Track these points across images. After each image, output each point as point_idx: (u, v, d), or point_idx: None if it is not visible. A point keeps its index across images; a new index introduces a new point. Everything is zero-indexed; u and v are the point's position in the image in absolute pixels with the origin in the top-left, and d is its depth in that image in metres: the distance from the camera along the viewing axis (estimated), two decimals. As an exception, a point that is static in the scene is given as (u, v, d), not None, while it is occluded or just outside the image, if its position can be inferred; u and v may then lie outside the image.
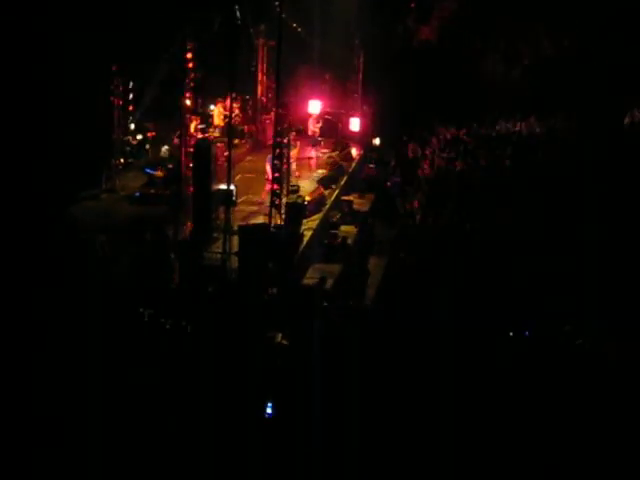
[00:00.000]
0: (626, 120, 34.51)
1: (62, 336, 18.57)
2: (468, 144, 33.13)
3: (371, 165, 34.48)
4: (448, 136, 34.45)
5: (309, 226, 26.80)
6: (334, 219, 28.76)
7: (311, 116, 33.69)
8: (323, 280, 23.25)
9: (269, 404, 18.23)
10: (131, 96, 31.98)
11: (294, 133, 28.96)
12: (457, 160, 31.60)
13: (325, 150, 34.06)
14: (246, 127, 35.04)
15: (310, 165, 31.52)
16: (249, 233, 23.23)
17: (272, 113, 29.82)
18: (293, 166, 28.70)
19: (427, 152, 33.39)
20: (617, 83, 36.55)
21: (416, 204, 28.39)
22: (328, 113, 34.29)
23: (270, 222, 24.94)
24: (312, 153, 32.04)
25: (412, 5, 40.86)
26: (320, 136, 33.44)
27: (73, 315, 19.32)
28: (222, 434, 17.21)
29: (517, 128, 34.74)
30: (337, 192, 30.55)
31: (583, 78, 37.47)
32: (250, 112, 35.65)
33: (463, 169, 30.59)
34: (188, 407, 17.51)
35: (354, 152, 34.94)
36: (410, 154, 34.10)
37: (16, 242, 20.55)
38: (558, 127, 34.57)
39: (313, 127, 33.23)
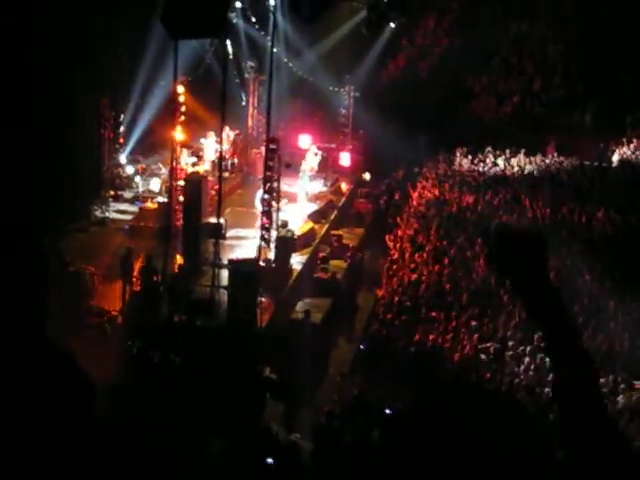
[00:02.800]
0: (614, 158, 34.67)
1: (47, 367, 18.41)
2: (462, 178, 33.14)
3: (361, 200, 34.56)
4: (440, 171, 34.51)
5: (298, 260, 26.82)
6: (324, 253, 28.75)
7: (307, 150, 33.74)
8: (307, 313, 23.18)
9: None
10: (122, 129, 32.07)
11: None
12: (446, 195, 31.59)
13: (316, 184, 34.11)
14: (236, 161, 35.12)
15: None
16: (238, 267, 23.19)
17: (262, 147, 29.88)
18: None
19: (417, 186, 33.41)
20: (604, 120, 36.82)
21: (405, 240, 28.37)
22: (318, 147, 34.38)
23: (260, 256, 24.94)
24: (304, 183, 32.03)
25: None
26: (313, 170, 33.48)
27: (60, 346, 19.18)
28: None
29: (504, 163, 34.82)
30: (327, 226, 30.59)
31: (572, 116, 37.81)
32: (241, 146, 35.74)
33: (452, 204, 30.60)
34: (177, 441, 17.36)
35: (344, 187, 35.01)
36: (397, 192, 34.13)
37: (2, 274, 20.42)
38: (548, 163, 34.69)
39: (311, 161, 33.27)
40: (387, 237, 29.06)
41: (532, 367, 19.79)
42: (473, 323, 22.09)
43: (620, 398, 18.22)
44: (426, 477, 15.28)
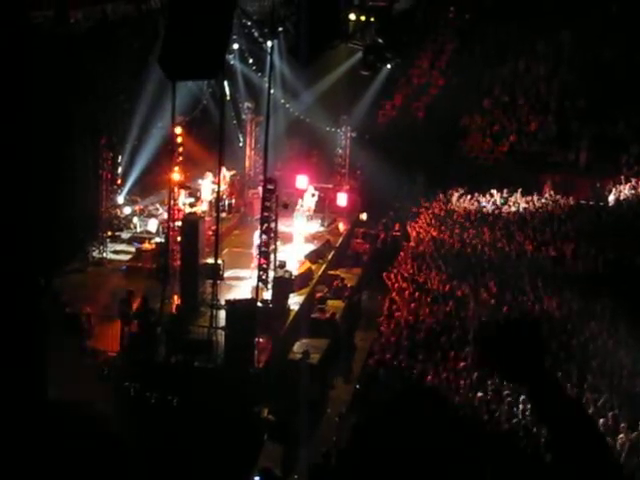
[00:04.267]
0: (610, 197, 34.77)
1: (45, 407, 18.32)
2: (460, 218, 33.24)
3: (358, 240, 34.60)
4: (436, 210, 34.59)
5: (296, 301, 26.79)
6: (321, 294, 28.73)
7: (304, 191, 33.86)
8: (306, 354, 23.16)
9: (257, 478, 18.01)
10: (120, 169, 32.17)
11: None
12: (443, 234, 31.69)
13: (313, 224, 34.17)
14: (234, 201, 35.18)
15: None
16: (236, 308, 23.18)
17: (259, 187, 29.96)
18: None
19: (414, 226, 33.47)
20: (599, 159, 36.99)
21: (402, 279, 28.38)
22: (315, 188, 34.47)
23: (257, 297, 24.92)
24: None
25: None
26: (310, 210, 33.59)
27: (57, 387, 19.13)
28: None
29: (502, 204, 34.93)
30: (324, 266, 30.59)
31: (567, 154, 37.98)
32: (238, 186, 35.82)
33: (449, 243, 30.69)
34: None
35: (341, 227, 35.05)
36: (397, 230, 34.23)
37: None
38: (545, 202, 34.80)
39: (309, 202, 33.37)
40: (385, 276, 29.06)
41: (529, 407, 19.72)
42: (467, 364, 22.02)
43: (620, 437, 18.16)
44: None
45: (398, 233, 34.10)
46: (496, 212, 34.08)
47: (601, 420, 18.31)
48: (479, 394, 20.43)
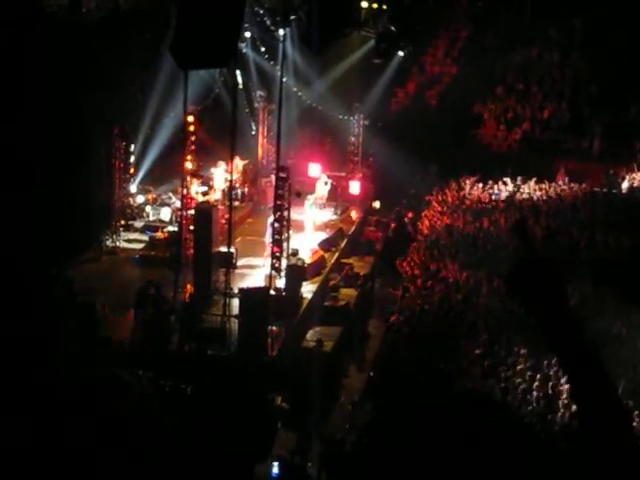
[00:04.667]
0: (624, 185, 34.64)
1: (59, 398, 18.43)
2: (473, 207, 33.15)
3: (371, 228, 34.61)
4: (449, 198, 34.49)
5: (309, 289, 26.82)
6: (334, 282, 28.74)
7: (317, 179, 33.89)
8: (320, 342, 23.19)
9: (275, 463, 18.10)
10: (132, 159, 32.20)
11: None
12: (456, 222, 31.61)
13: (325, 212, 34.19)
14: (247, 190, 35.19)
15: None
16: (249, 296, 23.22)
17: (272, 176, 29.95)
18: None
19: (427, 214, 33.42)
20: (613, 146, 36.82)
21: (415, 268, 28.38)
22: (328, 176, 34.47)
23: (270, 285, 24.95)
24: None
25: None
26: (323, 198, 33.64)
27: (71, 377, 19.21)
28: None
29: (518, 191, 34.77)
30: (337, 255, 30.60)
31: (581, 141, 37.83)
32: (251, 175, 35.82)
33: (462, 231, 30.62)
34: (188, 470, 17.34)
35: (354, 215, 35.05)
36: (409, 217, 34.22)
37: (13, 305, 20.48)
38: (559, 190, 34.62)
39: (321, 190, 33.40)
40: (398, 264, 29.05)
41: (542, 394, 19.74)
42: (483, 350, 22.03)
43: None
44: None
45: (411, 221, 34.08)
46: (509, 200, 33.93)
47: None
48: (491, 381, 20.46)
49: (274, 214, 26.18)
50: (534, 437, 18.18)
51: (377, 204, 36.50)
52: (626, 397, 19.17)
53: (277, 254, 25.64)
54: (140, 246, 29.93)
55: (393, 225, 34.27)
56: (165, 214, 31.92)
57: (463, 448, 17.06)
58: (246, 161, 35.18)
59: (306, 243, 29.91)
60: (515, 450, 16.66)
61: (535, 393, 19.74)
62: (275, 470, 18.01)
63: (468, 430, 17.20)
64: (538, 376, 20.32)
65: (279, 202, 26.08)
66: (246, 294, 23.34)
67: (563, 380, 19.29)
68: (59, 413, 17.38)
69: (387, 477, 17.31)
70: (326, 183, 33.79)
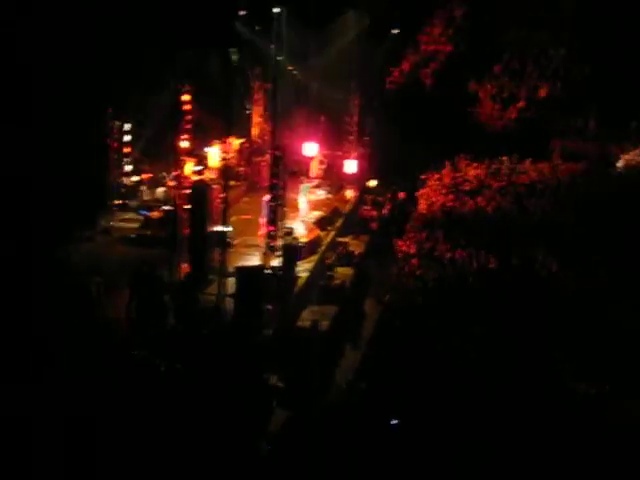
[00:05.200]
0: (619, 164, 34.60)
1: (53, 377, 18.43)
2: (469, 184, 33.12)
3: (367, 207, 34.56)
4: (445, 177, 34.43)
5: (305, 268, 26.79)
6: (330, 261, 28.72)
7: (312, 158, 33.83)
8: (316, 322, 23.15)
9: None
10: (127, 138, 32.10)
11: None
12: (451, 201, 31.57)
13: (321, 191, 34.16)
14: (242, 169, 35.10)
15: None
16: (245, 275, 23.19)
17: (268, 155, 29.88)
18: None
19: (424, 193, 33.36)
20: (608, 126, 36.75)
21: (411, 247, 28.36)
22: (324, 155, 34.41)
23: (266, 264, 24.93)
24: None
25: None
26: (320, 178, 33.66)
27: (65, 357, 19.20)
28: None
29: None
30: (333, 234, 30.56)
31: (576, 121, 37.73)
32: (246, 154, 35.73)
33: (457, 210, 30.59)
34: (182, 449, 17.36)
35: (350, 194, 35.00)
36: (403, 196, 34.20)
37: (8, 283, 20.47)
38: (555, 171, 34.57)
39: (317, 169, 33.36)
40: (395, 243, 29.03)
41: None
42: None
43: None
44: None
45: (406, 201, 34.04)
46: (505, 179, 33.86)
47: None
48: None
49: (269, 193, 26.12)
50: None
51: (373, 183, 36.44)
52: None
53: (272, 233, 25.63)
54: (135, 225, 29.87)
55: (389, 204, 34.21)
56: (160, 193, 31.86)
57: (456, 425, 17.15)
58: (241, 140, 35.08)
59: (302, 222, 29.87)
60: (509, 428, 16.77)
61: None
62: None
63: (461, 408, 17.28)
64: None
65: (274, 181, 26.03)
66: (241, 273, 23.31)
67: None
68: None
69: (381, 454, 17.38)
70: (322, 162, 33.72)
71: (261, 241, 26.71)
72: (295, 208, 30.76)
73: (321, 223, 30.55)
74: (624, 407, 18.95)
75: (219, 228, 25.41)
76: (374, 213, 34.02)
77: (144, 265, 23.31)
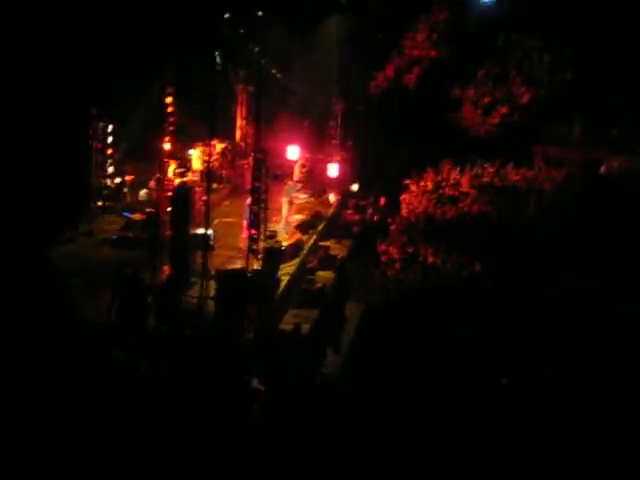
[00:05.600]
0: (602, 169, 34.75)
1: (33, 379, 18.39)
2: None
3: (349, 211, 34.61)
4: (427, 182, 34.51)
5: (287, 271, 26.81)
6: (311, 264, 28.75)
7: (295, 162, 33.86)
8: (298, 326, 23.18)
9: None
10: (110, 139, 32.02)
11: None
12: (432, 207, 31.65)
13: (303, 195, 34.18)
14: (225, 172, 35.09)
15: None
16: (226, 278, 23.18)
17: (250, 158, 29.88)
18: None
19: (406, 197, 33.43)
20: (592, 132, 36.91)
21: (394, 250, 28.43)
22: (306, 159, 34.44)
23: (247, 267, 24.93)
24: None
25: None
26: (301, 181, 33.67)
27: (46, 358, 19.15)
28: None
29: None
30: (315, 237, 30.59)
31: (559, 127, 37.85)
32: (229, 157, 35.71)
33: (439, 215, 30.69)
34: (162, 452, 17.35)
35: (332, 198, 35.04)
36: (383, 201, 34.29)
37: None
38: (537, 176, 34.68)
39: (299, 172, 33.40)
40: (377, 247, 29.08)
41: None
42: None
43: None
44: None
45: (388, 205, 34.10)
46: (487, 184, 33.95)
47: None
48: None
49: (252, 196, 26.13)
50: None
51: (355, 187, 36.51)
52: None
53: (254, 236, 25.63)
54: (117, 227, 29.79)
55: (371, 208, 34.27)
56: (142, 195, 31.80)
57: (437, 429, 17.20)
58: (225, 143, 35.06)
59: (284, 225, 29.89)
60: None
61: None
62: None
63: (443, 412, 17.34)
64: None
65: (257, 184, 26.04)
66: (223, 276, 23.31)
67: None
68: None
69: (362, 459, 17.42)
70: (304, 165, 33.75)
71: (243, 244, 26.70)
72: (278, 211, 30.76)
73: (303, 227, 30.57)
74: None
75: (201, 231, 25.39)
76: (356, 217, 34.06)
77: (126, 267, 23.28)
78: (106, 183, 32.07)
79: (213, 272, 24.15)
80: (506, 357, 20.89)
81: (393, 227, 31.15)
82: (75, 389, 18.32)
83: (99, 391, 18.60)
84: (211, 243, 26.65)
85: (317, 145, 37.39)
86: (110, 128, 31.83)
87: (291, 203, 31.88)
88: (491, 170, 35.10)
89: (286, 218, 31.07)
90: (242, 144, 36.34)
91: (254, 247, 25.52)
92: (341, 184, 36.14)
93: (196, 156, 32.24)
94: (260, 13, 30.69)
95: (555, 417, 18.86)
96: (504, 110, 38.82)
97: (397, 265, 27.22)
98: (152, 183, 31.19)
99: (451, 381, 19.75)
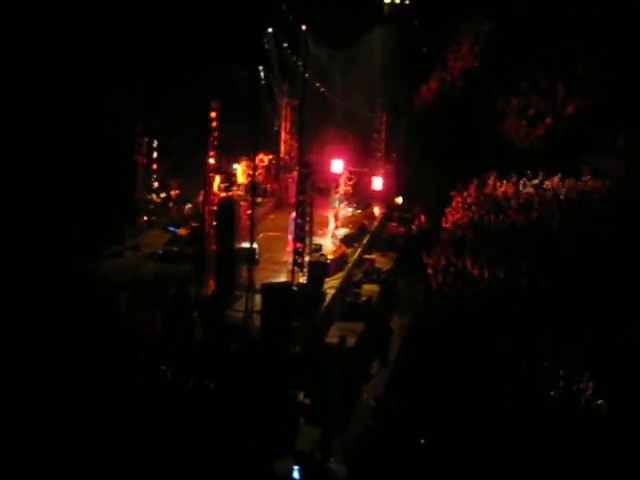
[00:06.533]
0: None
1: (84, 392, 18.49)
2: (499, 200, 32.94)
3: (393, 224, 34.54)
4: (472, 195, 34.29)
5: (332, 285, 26.78)
6: (356, 278, 28.70)
7: (340, 175, 33.87)
8: (343, 340, 23.12)
9: (295, 468, 18.01)
10: (155, 154, 32.23)
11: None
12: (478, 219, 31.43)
13: (348, 208, 34.18)
14: (269, 186, 35.20)
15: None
16: (272, 291, 23.18)
17: (295, 172, 29.93)
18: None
19: (451, 210, 33.23)
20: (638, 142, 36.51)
21: (441, 262, 28.25)
22: (351, 172, 34.45)
23: (293, 280, 24.92)
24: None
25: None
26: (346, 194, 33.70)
27: (95, 372, 19.26)
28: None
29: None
30: (359, 250, 30.56)
31: (605, 138, 37.49)
32: (273, 171, 35.81)
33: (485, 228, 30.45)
34: (210, 466, 17.37)
35: (376, 211, 35.01)
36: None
37: (39, 298, 20.58)
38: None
39: (345, 186, 33.43)
40: (424, 260, 28.91)
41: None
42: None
43: None
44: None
45: (434, 218, 33.96)
46: (534, 196, 33.66)
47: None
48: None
49: (296, 210, 26.15)
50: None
51: (400, 200, 36.44)
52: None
53: (299, 250, 25.63)
54: (163, 242, 29.94)
55: (415, 221, 34.17)
56: (188, 210, 31.96)
57: (482, 448, 17.03)
58: (269, 157, 35.16)
59: (329, 239, 29.89)
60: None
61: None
62: (295, 475, 17.92)
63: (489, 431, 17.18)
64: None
65: (302, 198, 26.06)
66: (268, 290, 23.31)
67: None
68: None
69: (407, 473, 17.31)
70: (349, 179, 33.75)
71: (288, 258, 26.70)
72: (322, 225, 30.77)
73: (348, 240, 30.56)
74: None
75: (246, 245, 25.44)
76: (401, 230, 33.97)
77: (174, 282, 23.41)
78: (151, 198, 32.26)
79: (258, 286, 24.17)
80: (554, 374, 20.62)
81: (438, 239, 30.98)
82: (121, 399, 18.41)
83: (146, 404, 18.68)
84: (256, 257, 26.69)
85: (361, 158, 37.38)
86: (155, 143, 32.03)
87: (336, 216, 31.91)
88: (536, 181, 34.86)
89: (331, 231, 31.09)
90: (286, 158, 36.41)
91: (299, 261, 25.51)
92: (385, 197, 36.11)
93: (241, 170, 32.34)
94: (303, 27, 30.68)
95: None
96: (549, 121, 38.55)
97: (442, 277, 27.03)
98: (198, 197, 31.33)
99: (499, 399, 19.53)
